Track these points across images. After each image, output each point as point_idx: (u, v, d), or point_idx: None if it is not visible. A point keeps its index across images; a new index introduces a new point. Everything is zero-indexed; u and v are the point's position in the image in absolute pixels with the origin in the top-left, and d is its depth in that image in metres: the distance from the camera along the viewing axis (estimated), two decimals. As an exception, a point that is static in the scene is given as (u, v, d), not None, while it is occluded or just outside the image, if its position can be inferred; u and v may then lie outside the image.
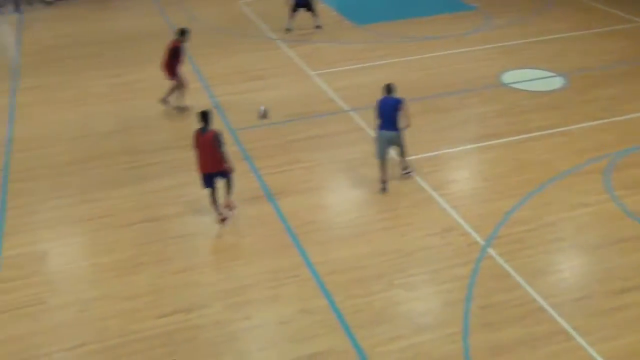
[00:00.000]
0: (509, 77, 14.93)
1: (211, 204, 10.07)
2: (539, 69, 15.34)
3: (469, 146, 12.07)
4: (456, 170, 11.51)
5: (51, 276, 9.12)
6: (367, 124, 12.82)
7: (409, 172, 11.09)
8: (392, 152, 10.94)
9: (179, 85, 13.51)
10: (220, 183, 10.06)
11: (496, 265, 9.02)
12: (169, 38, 17.66)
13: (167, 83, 13.59)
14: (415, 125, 12.69)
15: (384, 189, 10.70)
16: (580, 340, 7.74)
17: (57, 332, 8.07)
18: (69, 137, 12.75)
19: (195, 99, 14.20)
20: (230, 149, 11.95)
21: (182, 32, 13.23)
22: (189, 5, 21.09)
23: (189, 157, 11.71)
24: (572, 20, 18.41)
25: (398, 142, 10.62)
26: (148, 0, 21.77)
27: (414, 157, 11.62)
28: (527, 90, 14.19)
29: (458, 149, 12.01)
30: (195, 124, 12.63)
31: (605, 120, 12.75)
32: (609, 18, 18.57)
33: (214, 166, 9.80)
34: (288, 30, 17.73)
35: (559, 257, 9.20)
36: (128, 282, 8.87)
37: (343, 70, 15.52)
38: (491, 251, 9.28)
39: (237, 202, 10.34)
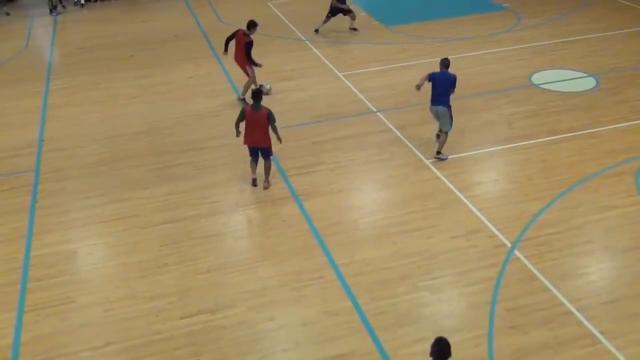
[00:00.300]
0: (539, 77, 14.75)
1: (250, 166, 11.04)
2: (570, 69, 15.13)
3: (496, 147, 11.95)
4: (483, 171, 11.40)
5: (79, 276, 9.27)
6: (395, 125, 12.78)
7: (442, 157, 11.47)
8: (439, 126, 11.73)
9: (252, 79, 13.87)
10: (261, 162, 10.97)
11: (523, 267, 8.92)
12: (198, 39, 18.07)
13: (198, 83, 13.68)
14: (442, 127, 12.68)
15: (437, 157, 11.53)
16: (607, 344, 7.62)
17: (83, 332, 8.20)
18: (98, 138, 12.94)
19: (225, 99, 14.33)
20: (257, 150, 12.10)
21: (251, 25, 13.67)
22: (219, 6, 21.27)
23: (215, 159, 11.94)
24: (605, 20, 18.11)
25: (444, 118, 11.38)
26: (179, 2, 22.01)
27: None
28: (557, 91, 14.00)
29: (486, 150, 11.90)
30: (221, 126, 13.00)
31: (636, 122, 12.52)
32: (643, 17, 18.24)
33: (259, 142, 10.74)
34: (316, 31, 17.75)
35: (586, 260, 9.06)
36: (153, 282, 8.97)
37: (372, 71, 15.49)
38: (518, 253, 9.18)
39: (272, 182, 11.06)
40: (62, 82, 15.76)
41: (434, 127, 12.18)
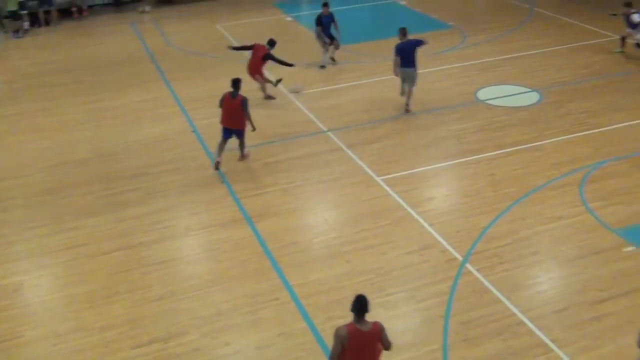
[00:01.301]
0: (485, 93, 15.07)
1: (218, 147, 11.97)
2: (515, 84, 15.50)
3: (446, 163, 12.13)
4: (434, 187, 11.55)
5: (26, 309, 8.98)
6: (345, 144, 12.87)
7: (410, 110, 13.97)
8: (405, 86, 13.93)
9: (265, 81, 15.09)
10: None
11: (474, 280, 9.03)
12: (146, 63, 17.92)
13: (150, 104, 13.56)
14: (393, 144, 12.85)
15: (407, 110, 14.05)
16: (559, 352, 7.74)
17: (32, 366, 7.96)
18: (44, 166, 12.67)
19: (174, 123, 14.22)
20: (209, 173, 12.03)
21: (272, 43, 15.12)
22: (167, 29, 21.18)
23: (165, 183, 11.81)
24: (547, 37, 18.65)
25: (412, 79, 13.81)
26: (126, 26, 21.83)
27: (392, 175, 11.69)
28: (503, 106, 14.32)
29: (436, 166, 12.06)
30: (171, 150, 12.90)
31: (579, 134, 12.88)
32: (583, 33, 18.84)
33: (234, 124, 11.94)
34: (323, 67, 17.20)
35: (535, 271, 9.22)
36: (104, 312, 8.76)
37: (322, 91, 15.60)
38: (469, 267, 9.29)
39: (249, 153, 12.39)
40: (4, 110, 15.40)
41: (383, 145, 12.57)
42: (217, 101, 12.11)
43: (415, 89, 14.01)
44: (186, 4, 24.30)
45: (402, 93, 14.18)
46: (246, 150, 12.41)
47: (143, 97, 15.73)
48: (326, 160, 12.36)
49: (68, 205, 11.29)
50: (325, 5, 16.99)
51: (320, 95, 15.34)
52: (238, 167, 12.23)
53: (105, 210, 11.05)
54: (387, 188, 11.31)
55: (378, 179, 11.60)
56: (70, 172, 12.41)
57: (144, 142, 13.47)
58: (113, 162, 12.68)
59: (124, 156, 12.91)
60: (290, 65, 15.27)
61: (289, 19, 21.80)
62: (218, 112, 13.06)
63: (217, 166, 11.86)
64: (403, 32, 13.89)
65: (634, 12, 16.37)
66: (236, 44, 15.80)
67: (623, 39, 16.97)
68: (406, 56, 13.68)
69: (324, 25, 16.82)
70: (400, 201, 10.92)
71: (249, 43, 15.41)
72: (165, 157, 12.75)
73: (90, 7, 23.83)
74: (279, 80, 15.20)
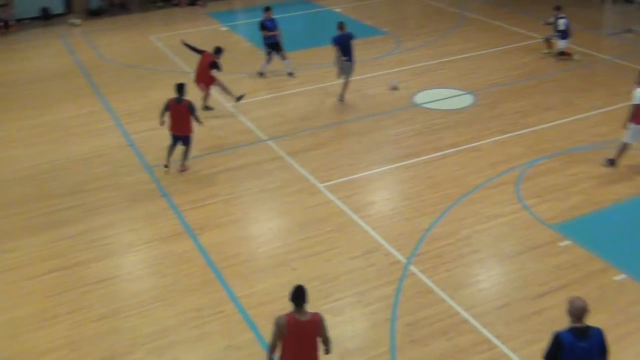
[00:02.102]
0: (421, 97, 15.33)
1: (168, 150, 12.18)
2: (450, 88, 15.82)
3: (386, 167, 12.27)
4: (375, 191, 11.66)
5: (-39, 335, 8.63)
6: (286, 152, 12.86)
7: (343, 100, 15.10)
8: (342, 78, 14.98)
9: (208, 93, 14.94)
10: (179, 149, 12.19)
11: (419, 282, 9.15)
12: (78, 78, 17.49)
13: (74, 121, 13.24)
14: (333, 150, 12.93)
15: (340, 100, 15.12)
16: (503, 347, 7.91)
17: (-31, 395, 7.63)
18: (-24, 188, 12.21)
19: (108, 138, 13.92)
20: (148, 187, 11.83)
21: (218, 50, 14.84)
22: (99, 43, 20.75)
23: (103, 199, 11.55)
24: (479, 40, 19.14)
25: (349, 71, 14.94)
26: (56, 40, 21.28)
27: (333, 181, 11.75)
28: (439, 110, 14.60)
29: (376, 170, 12.18)
30: (107, 165, 12.63)
31: (513, 134, 13.25)
32: (513, 36, 19.41)
33: (182, 130, 12.04)
34: (261, 74, 17.11)
35: (477, 269, 9.42)
36: (44, 335, 8.47)
37: (260, 100, 15.57)
38: (413, 268, 9.41)
39: (189, 166, 12.35)
40: None
41: (323, 152, 12.72)
42: (153, 114, 11.96)
43: (350, 80, 15.01)
44: (118, 16, 23.91)
45: (339, 77, 15.24)
46: (187, 162, 12.28)
47: (76, 113, 15.34)
48: (267, 169, 12.33)
49: (3, 225, 10.89)
50: (268, 9, 16.79)
51: (259, 104, 15.30)
52: (178, 180, 12.06)
53: (42, 230, 10.72)
54: (329, 194, 11.36)
55: (320, 186, 11.64)
56: (4, 192, 11.99)
57: (79, 158, 13.14)
58: (48, 180, 12.32)
59: (59, 173, 12.56)
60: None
61: (224, 28, 21.70)
62: (154, 125, 12.94)
63: (166, 166, 12.21)
64: (340, 25, 14.83)
65: (561, 18, 16.93)
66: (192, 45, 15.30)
67: (547, 40, 17.55)
68: (344, 48, 14.70)
69: (269, 29, 16.64)
70: (343, 207, 10.99)
71: (199, 49, 15.07)
72: (102, 173, 12.47)
73: (18, 20, 23.13)
74: (241, 97, 15.01)
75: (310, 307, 8.60)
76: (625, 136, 11.57)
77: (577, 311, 6.04)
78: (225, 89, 14.91)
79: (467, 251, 9.73)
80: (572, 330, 6.04)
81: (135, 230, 10.65)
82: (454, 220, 10.48)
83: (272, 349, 6.47)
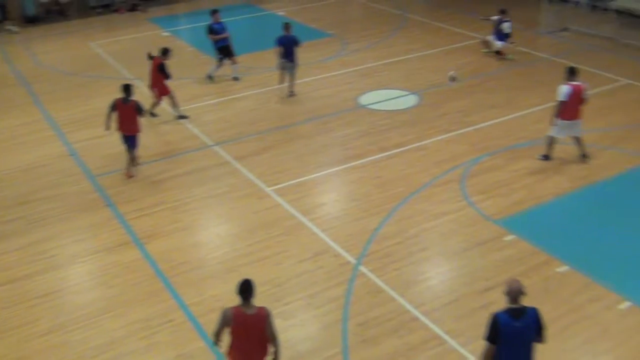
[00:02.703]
0: (366, 99, 15.46)
1: (127, 152, 12.20)
2: (395, 88, 16.00)
3: (333, 169, 12.32)
4: (323, 193, 11.70)
5: None
6: (233, 157, 12.79)
7: (293, 93, 15.59)
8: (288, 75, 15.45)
9: (172, 97, 14.49)
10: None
11: (369, 281, 9.22)
12: (15, 87, 17.02)
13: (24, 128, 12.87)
14: (280, 154, 12.91)
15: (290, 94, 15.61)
16: (452, 342, 8.04)
17: None
18: None
19: (49, 147, 13.58)
20: (92, 196, 11.60)
21: (165, 51, 14.27)
22: (37, 50, 20.23)
23: (47, 211, 11.27)
24: (421, 41, 19.43)
25: (292, 70, 15.35)
26: (-8, 50, 20.69)
27: (281, 185, 11.73)
28: (384, 110, 14.75)
29: (323, 173, 12.23)
30: (50, 175, 12.33)
31: (457, 132, 13.49)
32: (454, 36, 19.77)
33: (129, 130, 11.98)
34: (210, 77, 16.89)
35: (425, 266, 9.55)
36: (-13, 352, 8.23)
37: (205, 105, 15.43)
38: (363, 269, 9.48)
39: (135, 172, 12.24)
40: None
41: (270, 155, 12.72)
42: (95, 122, 11.74)
43: (296, 76, 15.59)
44: (55, 23, 23.36)
45: (281, 82, 15.69)
46: (134, 169, 12.16)
47: (14, 123, 14.92)
48: (214, 175, 12.23)
49: (-62, 242, 10.52)
50: (215, 12, 16.54)
51: (204, 110, 15.17)
52: (123, 189, 11.85)
53: (-19, 245, 10.39)
54: (278, 198, 11.35)
55: (268, 190, 11.61)
56: (-61, 207, 11.58)
57: (20, 169, 12.77)
58: (-13, 193, 11.95)
59: (1, 185, 12.18)
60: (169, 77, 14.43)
61: (166, 34, 21.44)
62: (96, 133, 12.69)
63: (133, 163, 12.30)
64: (286, 26, 15.25)
65: (506, 21, 17.29)
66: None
67: (485, 42, 17.91)
68: (286, 49, 15.09)
69: (218, 33, 16.42)
70: (291, 210, 10.99)
71: (149, 54, 14.55)
72: (44, 184, 12.16)
73: (-50, 30, 22.39)
74: (184, 117, 14.61)
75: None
76: (552, 130, 11.95)
77: (514, 293, 6.27)
78: (174, 102, 14.58)
79: (416, 249, 9.86)
80: (508, 311, 6.26)
81: (81, 241, 10.42)
82: (401, 219, 10.60)
83: (216, 335, 6.64)
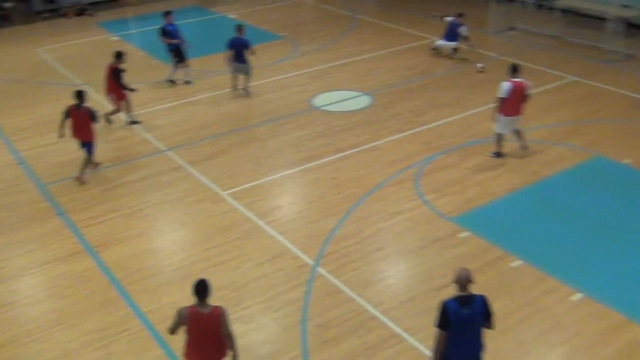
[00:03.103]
0: (320, 100, 15.49)
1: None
2: (347, 90, 16.08)
3: (289, 171, 12.30)
4: (279, 196, 11.67)
5: None
6: (186, 162, 12.66)
7: (248, 91, 15.79)
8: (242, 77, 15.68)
9: (127, 102, 14.20)
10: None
11: (327, 282, 9.23)
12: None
13: None
14: (234, 157, 12.83)
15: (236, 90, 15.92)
16: (411, 340, 8.11)
17: None
18: None
19: (-3, 157, 13.23)
20: (42, 205, 11.34)
21: (119, 55, 13.81)
22: (-18, 58, 19.68)
23: (-6, 221, 10.95)
24: (372, 42, 19.57)
25: (246, 71, 15.56)
26: None
27: (237, 188, 11.67)
28: (338, 112, 14.80)
29: (279, 175, 12.20)
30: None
31: (410, 132, 13.63)
32: (405, 37, 19.98)
33: (83, 136, 11.87)
34: (170, 81, 16.70)
35: (383, 266, 9.60)
36: None
37: (156, 110, 15.23)
38: (321, 270, 9.48)
39: (87, 178, 12.11)
40: None
41: (224, 159, 12.61)
42: (43, 129, 11.48)
43: (251, 76, 15.82)
44: (1, 28, 22.73)
45: (234, 88, 15.89)
46: (84, 175, 12.04)
47: (-40, 132, 14.49)
48: (168, 180, 12.08)
49: None
50: (168, 14, 16.29)
51: (156, 114, 14.97)
52: (75, 197, 11.60)
53: None
54: (233, 202, 11.27)
55: (223, 194, 11.53)
56: None
57: (-35, 179, 12.40)
58: None
59: (-57, 197, 11.81)
60: (132, 90, 14.19)
61: (115, 38, 21.09)
62: (46, 140, 12.42)
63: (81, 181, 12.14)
64: (238, 28, 15.34)
65: (462, 25, 17.49)
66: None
67: (435, 49, 18.09)
68: (237, 51, 15.27)
69: (171, 35, 16.19)
70: (248, 213, 10.93)
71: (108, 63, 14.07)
72: (-9, 194, 11.83)
73: None
74: (136, 122, 14.40)
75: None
76: (497, 127, 12.19)
77: (462, 281, 6.46)
78: (128, 108, 14.32)
79: (373, 249, 9.92)
80: (457, 299, 6.46)
81: (31, 252, 10.16)
82: (358, 219, 10.65)
83: (171, 332, 6.75)
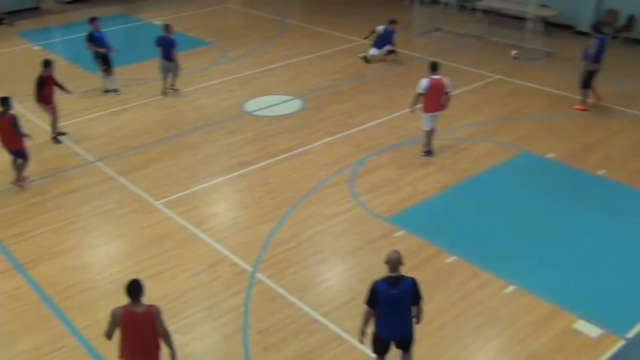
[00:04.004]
0: (250, 105, 15.44)
1: (12, 165, 11.96)
2: (278, 94, 16.08)
3: (222, 178, 12.21)
4: (214, 203, 11.56)
5: None
6: (117, 172, 12.38)
7: (175, 88, 16.12)
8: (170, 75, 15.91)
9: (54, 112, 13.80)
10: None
11: (266, 288, 9.20)
12: None
13: None
14: (166, 166, 12.65)
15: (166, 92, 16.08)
16: (352, 341, 8.16)
17: None
18: None
19: None
20: (-36, 225, 10.86)
21: (47, 63, 13.50)
22: None
23: None
24: (301, 46, 19.65)
25: (173, 69, 15.81)
26: None
27: (170, 197, 11.49)
28: (269, 116, 14.79)
29: (212, 182, 12.08)
30: None
31: (342, 134, 13.76)
32: (332, 40, 20.16)
33: (10, 144, 11.68)
34: (107, 91, 16.30)
35: (321, 268, 9.65)
36: None
37: (84, 120, 14.82)
38: (259, 276, 9.45)
39: (28, 176, 12.06)
40: None
41: (156, 168, 12.42)
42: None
43: (178, 75, 16.07)
44: None
45: (164, 89, 16.10)
46: (23, 174, 12.01)
47: None
48: (98, 192, 11.78)
49: None
50: (95, 20, 15.87)
51: (82, 125, 14.57)
52: (1, 213, 11.16)
53: None
54: (167, 211, 11.10)
55: (156, 204, 11.33)
56: None
57: None
58: None
59: None
60: (67, 91, 14.04)
61: (37, 48, 20.41)
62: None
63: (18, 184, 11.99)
64: (166, 28, 15.65)
65: (393, 32, 17.66)
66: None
67: (365, 57, 18.27)
68: (164, 49, 15.55)
69: (98, 41, 15.76)
70: (182, 222, 10.78)
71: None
72: None
73: None
74: (62, 134, 13.94)
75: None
76: (423, 125, 12.53)
77: (393, 262, 6.83)
78: (56, 118, 13.80)
79: (310, 252, 9.95)
80: (386, 279, 6.84)
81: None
82: (294, 223, 10.67)
83: (107, 336, 6.71)
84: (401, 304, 6.85)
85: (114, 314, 6.61)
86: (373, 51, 17.98)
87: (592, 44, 14.17)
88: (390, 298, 6.78)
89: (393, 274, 6.82)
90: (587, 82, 14.45)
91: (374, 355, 7.30)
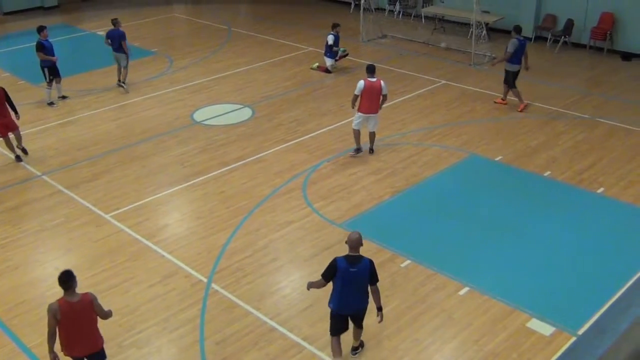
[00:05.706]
0: (200, 115, 15.30)
1: None
2: (228, 103, 15.99)
3: (174, 188, 12.05)
4: (166, 214, 11.39)
5: None
6: (65, 186, 12.09)
7: (123, 86, 16.66)
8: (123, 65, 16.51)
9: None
10: None
11: (222, 298, 9.12)
12: None
13: None
14: (116, 178, 12.41)
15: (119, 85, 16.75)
16: (310, 348, 8.18)
17: None
18: None
19: None
20: None
21: None
22: None
23: None
24: (249, 54, 19.59)
25: (123, 61, 16.51)
26: None
27: (121, 210, 11.28)
28: (220, 125, 14.69)
29: (164, 193, 11.91)
30: None
31: (294, 142, 13.76)
32: (280, 47, 20.17)
33: None
34: (51, 103, 15.86)
35: (277, 277, 9.62)
36: None
37: (28, 133, 14.38)
38: (215, 286, 9.35)
39: None
40: None
41: (105, 180, 12.17)
42: None
43: (128, 68, 16.65)
44: None
45: (119, 80, 16.79)
46: None
47: None
48: (46, 206, 11.47)
49: None
50: (43, 28, 15.47)
51: (27, 138, 14.12)
52: (-59, 231, 10.77)
53: None
54: (118, 224, 10.89)
55: (107, 217, 11.10)
56: None
57: None
58: None
59: None
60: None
61: (-24, 60, 19.80)
62: None
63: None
64: (115, 21, 16.53)
65: (330, 34, 17.70)
66: None
67: (322, 67, 18.29)
68: (114, 42, 16.34)
69: (48, 50, 15.37)
70: (134, 235, 10.59)
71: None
72: None
73: None
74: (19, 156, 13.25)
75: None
76: (353, 123, 12.87)
77: (353, 243, 7.34)
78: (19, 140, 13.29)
79: (266, 260, 9.91)
80: (346, 258, 7.35)
81: None
82: (249, 232, 10.61)
83: (50, 337, 6.80)
84: (359, 281, 7.36)
85: (52, 308, 6.70)
86: (330, 61, 17.91)
87: (510, 43, 14.89)
88: (349, 275, 7.28)
89: (353, 254, 7.31)
90: (512, 82, 15.10)
91: (331, 338, 7.67)
